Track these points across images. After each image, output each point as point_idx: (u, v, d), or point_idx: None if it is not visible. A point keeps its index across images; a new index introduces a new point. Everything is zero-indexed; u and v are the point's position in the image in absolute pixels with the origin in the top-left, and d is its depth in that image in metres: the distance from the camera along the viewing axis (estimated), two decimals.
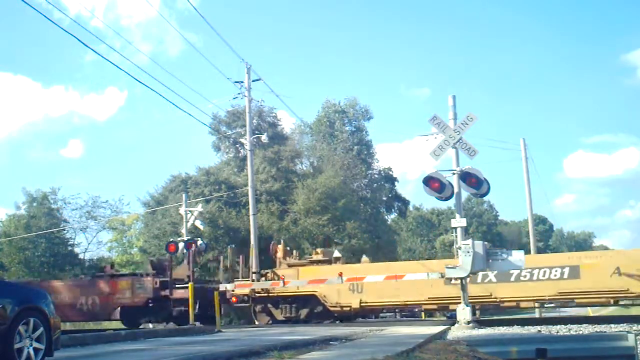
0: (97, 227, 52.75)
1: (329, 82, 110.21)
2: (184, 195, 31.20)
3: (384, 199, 48.06)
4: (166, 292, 23.09)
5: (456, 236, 17.51)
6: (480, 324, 17.26)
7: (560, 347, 13.17)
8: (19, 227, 46.60)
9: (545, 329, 15.39)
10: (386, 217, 50.92)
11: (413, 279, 18.99)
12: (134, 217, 54.00)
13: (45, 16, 14.22)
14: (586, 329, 15.25)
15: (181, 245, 28.30)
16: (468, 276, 16.59)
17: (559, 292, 19.39)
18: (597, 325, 16.54)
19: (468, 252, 16.03)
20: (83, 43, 16.34)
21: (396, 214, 53.89)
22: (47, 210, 48.14)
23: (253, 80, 28.98)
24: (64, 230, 48.67)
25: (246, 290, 22.95)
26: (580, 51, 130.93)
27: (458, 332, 14.81)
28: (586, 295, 19.36)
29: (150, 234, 40.70)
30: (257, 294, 22.81)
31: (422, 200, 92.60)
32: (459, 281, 19.04)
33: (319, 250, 25.08)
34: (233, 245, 26.77)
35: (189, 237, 28.75)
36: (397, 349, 9.13)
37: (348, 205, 37.77)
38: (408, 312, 30.86)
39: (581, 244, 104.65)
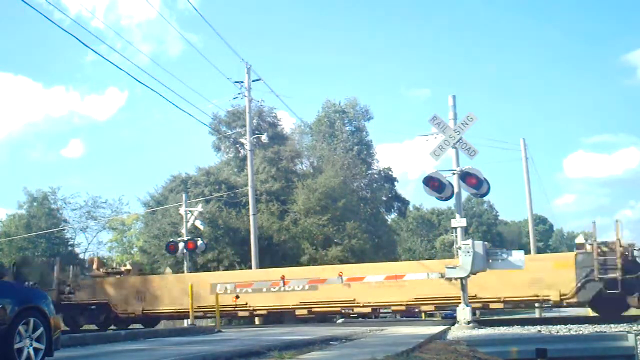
0: (97, 227, 52.84)
1: (329, 82, 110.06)
2: (184, 195, 31.20)
3: (384, 199, 48.00)
4: None
5: (456, 236, 17.53)
6: (480, 324, 17.28)
7: (560, 347, 13.17)
8: (19, 227, 46.63)
9: (545, 329, 15.40)
10: (386, 217, 50.88)
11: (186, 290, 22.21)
12: (134, 217, 53.99)
13: (45, 16, 14.24)
14: (586, 329, 15.26)
15: (181, 245, 28.33)
16: (468, 276, 16.61)
17: (300, 302, 21.49)
18: (597, 325, 16.55)
19: (468, 252, 16.06)
20: (83, 43, 16.37)
21: (396, 214, 53.86)
22: (48, 210, 48.16)
23: (253, 80, 29.00)
24: (64, 230, 48.69)
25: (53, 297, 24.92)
26: (580, 51, 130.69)
27: (458, 332, 14.83)
28: (321, 304, 21.56)
29: (150, 234, 40.63)
30: (62, 302, 24.15)
31: (422, 200, 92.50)
32: (223, 290, 21.73)
33: (127, 262, 27.18)
34: (44, 258, 28.96)
35: (189, 237, 28.76)
36: (397, 349, 9.14)
37: (348, 205, 37.71)
38: (408, 312, 30.80)
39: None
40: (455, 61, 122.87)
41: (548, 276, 19.31)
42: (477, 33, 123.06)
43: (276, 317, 23.60)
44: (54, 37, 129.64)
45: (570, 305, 20.94)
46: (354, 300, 21.04)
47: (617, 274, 18.77)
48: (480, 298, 19.89)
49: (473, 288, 19.38)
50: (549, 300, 19.78)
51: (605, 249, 19.38)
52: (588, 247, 19.67)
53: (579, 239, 19.53)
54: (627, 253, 19.17)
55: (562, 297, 19.39)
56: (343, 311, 22.59)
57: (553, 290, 19.34)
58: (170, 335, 15.40)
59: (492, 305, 20.81)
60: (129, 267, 25.89)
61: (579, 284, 19.29)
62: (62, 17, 58.51)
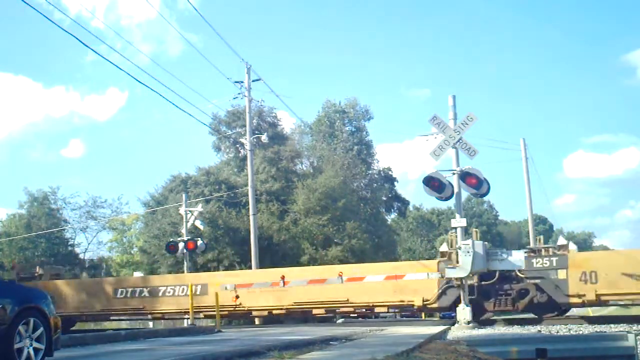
0: (97, 227, 52.83)
1: (329, 82, 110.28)
2: (184, 195, 31.19)
3: (384, 199, 48.01)
4: None
5: (456, 236, 17.53)
6: (480, 324, 17.29)
7: (560, 347, 13.16)
8: (19, 226, 46.61)
9: (545, 329, 15.41)
10: (386, 217, 50.88)
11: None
12: (134, 217, 53.99)
13: (45, 17, 14.23)
14: (586, 329, 15.26)
15: (181, 245, 28.32)
16: (468, 276, 16.62)
17: (193, 306, 22.03)
18: (597, 325, 16.55)
19: (468, 252, 16.07)
20: (83, 43, 16.36)
21: (396, 214, 53.86)
22: (48, 210, 48.14)
23: (253, 80, 28.97)
24: (64, 230, 48.67)
25: None
26: (580, 51, 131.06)
27: (458, 332, 14.83)
28: (210, 309, 21.70)
29: (150, 234, 40.63)
30: None
31: (422, 200, 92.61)
32: (123, 294, 22.60)
33: (42, 268, 27.41)
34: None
35: (189, 237, 28.76)
36: (397, 349, 9.14)
37: (348, 205, 37.71)
38: (408, 312, 30.83)
39: (581, 244, 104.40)
40: (455, 61, 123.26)
41: (412, 282, 19.92)
42: (477, 33, 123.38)
43: (277, 317, 23.66)
44: (54, 37, 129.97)
45: (433, 310, 21.51)
46: (240, 304, 21.85)
47: (474, 281, 19.20)
48: (352, 302, 20.88)
49: (345, 293, 20.62)
50: (413, 305, 20.36)
51: None
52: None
53: (443, 247, 19.84)
54: None
55: (424, 303, 19.94)
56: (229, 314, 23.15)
57: (417, 296, 19.91)
58: (170, 335, 15.41)
59: (377, 310, 22.08)
60: (41, 272, 26.41)
61: (440, 290, 19.77)
62: (62, 17, 58.58)
